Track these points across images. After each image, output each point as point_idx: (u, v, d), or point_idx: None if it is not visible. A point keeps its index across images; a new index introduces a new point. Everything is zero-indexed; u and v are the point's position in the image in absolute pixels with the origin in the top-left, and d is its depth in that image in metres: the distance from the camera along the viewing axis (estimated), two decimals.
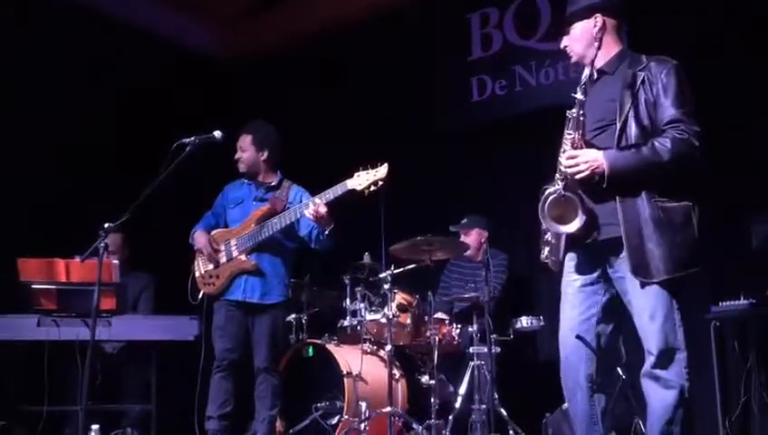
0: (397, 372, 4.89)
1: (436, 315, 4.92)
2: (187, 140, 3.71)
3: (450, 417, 4.72)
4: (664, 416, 2.81)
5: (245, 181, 4.53)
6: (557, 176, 2.95)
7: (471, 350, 4.83)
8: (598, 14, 3.03)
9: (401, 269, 4.82)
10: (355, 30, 6.64)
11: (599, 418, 2.97)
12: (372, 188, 4.00)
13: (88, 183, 5.65)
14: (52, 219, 5.49)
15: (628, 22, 3.19)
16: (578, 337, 2.95)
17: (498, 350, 4.76)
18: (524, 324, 5.03)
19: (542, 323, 5.01)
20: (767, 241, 4.47)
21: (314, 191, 4.21)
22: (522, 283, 5.55)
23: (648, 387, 2.86)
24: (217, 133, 3.80)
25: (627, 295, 2.91)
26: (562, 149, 2.95)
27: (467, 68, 6.22)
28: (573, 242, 2.99)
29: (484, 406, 4.61)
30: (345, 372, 4.67)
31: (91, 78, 6.02)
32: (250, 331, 4.31)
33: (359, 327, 4.96)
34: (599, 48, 3.01)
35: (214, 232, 4.45)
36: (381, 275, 4.71)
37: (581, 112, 2.91)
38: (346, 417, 4.56)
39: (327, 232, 4.16)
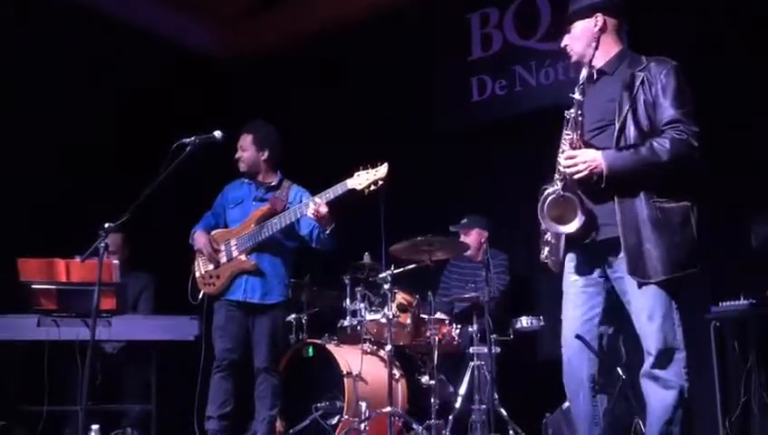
0: (397, 372, 4.89)
1: (435, 315, 4.92)
2: (187, 140, 3.72)
3: (450, 417, 4.72)
4: (663, 416, 2.81)
5: (245, 181, 4.53)
6: (556, 176, 2.96)
7: (471, 350, 4.83)
8: (599, 14, 3.03)
9: (401, 269, 4.81)
10: (355, 30, 6.63)
11: (600, 418, 2.97)
12: (372, 187, 4.00)
13: (88, 183, 5.65)
14: (52, 219, 5.50)
15: (629, 21, 3.19)
16: (579, 338, 2.96)
17: (498, 350, 4.76)
18: (524, 324, 5.03)
19: (542, 323, 5.01)
20: (767, 241, 4.47)
21: (314, 191, 4.21)
22: (522, 283, 5.54)
23: (648, 387, 2.87)
24: (217, 133, 3.80)
25: (626, 296, 2.91)
26: (561, 150, 2.95)
27: (467, 68, 6.22)
28: (572, 242, 2.99)
29: (484, 406, 4.61)
30: (345, 372, 4.67)
31: (91, 78, 6.02)
32: (250, 331, 4.31)
33: (359, 327, 4.96)
34: (596, 48, 3.01)
35: (214, 232, 4.45)
36: (381, 275, 4.71)
37: (579, 113, 2.91)
38: (346, 417, 4.56)
39: (328, 231, 4.16)
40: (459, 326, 5.05)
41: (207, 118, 4.52)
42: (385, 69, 6.42)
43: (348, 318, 5.02)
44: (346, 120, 6.52)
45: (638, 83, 2.91)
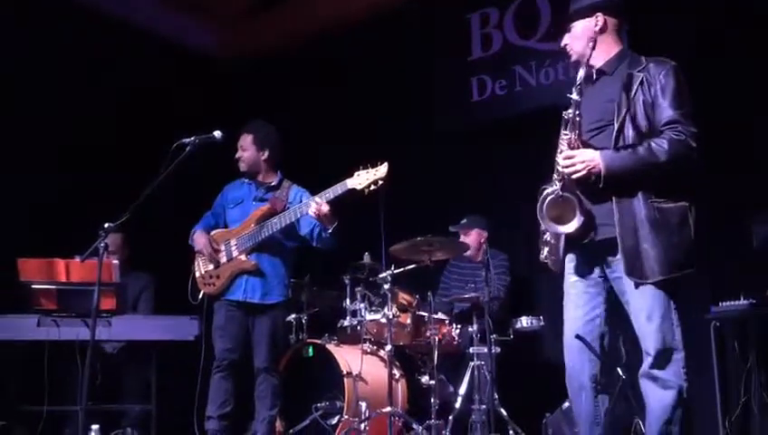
0: (397, 372, 4.89)
1: (435, 316, 4.91)
2: (187, 140, 3.72)
3: (450, 417, 4.72)
4: (662, 416, 2.81)
5: (245, 181, 4.53)
6: (554, 176, 2.96)
7: (471, 350, 4.83)
8: (599, 13, 3.03)
9: (401, 269, 4.81)
10: (355, 30, 6.63)
11: (602, 418, 2.97)
12: (372, 187, 4.00)
13: (88, 183, 5.65)
14: (52, 219, 5.49)
15: (629, 21, 3.19)
16: (581, 338, 2.96)
17: (498, 350, 4.76)
18: (524, 324, 5.03)
19: (542, 324, 5.01)
20: (767, 241, 4.47)
21: (314, 191, 4.21)
22: (522, 283, 5.54)
23: (647, 387, 2.87)
24: (217, 133, 3.80)
25: (624, 296, 2.91)
26: (559, 150, 2.95)
27: (467, 68, 6.21)
28: (571, 242, 3.00)
29: (484, 406, 4.61)
30: (345, 372, 4.67)
31: (91, 78, 6.02)
32: (250, 331, 4.31)
33: (359, 327, 4.96)
34: (593, 48, 3.00)
35: (214, 232, 4.45)
36: (381, 275, 4.71)
37: (577, 113, 2.91)
38: (346, 417, 4.56)
39: (330, 230, 4.16)
40: (459, 326, 5.05)
41: (207, 118, 4.52)
42: (385, 69, 6.42)
43: (348, 318, 5.02)
44: (346, 120, 6.52)
45: (637, 84, 2.91)
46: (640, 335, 2.87)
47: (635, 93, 2.90)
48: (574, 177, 2.88)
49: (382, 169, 4.01)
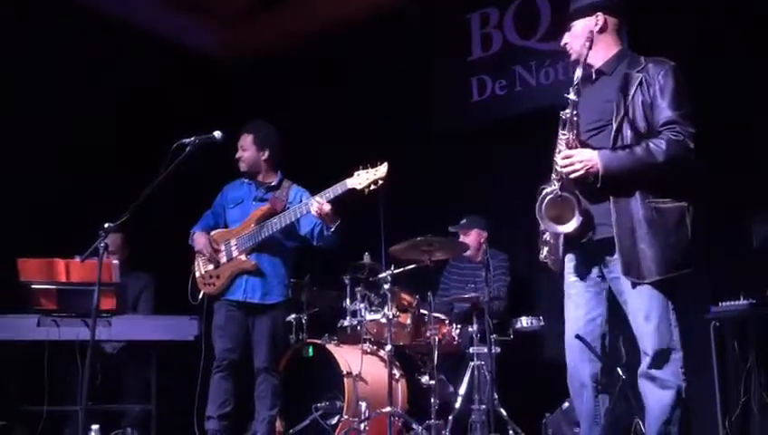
0: (397, 372, 4.89)
1: (435, 316, 4.91)
2: (187, 140, 3.72)
3: (450, 417, 4.71)
4: (661, 416, 2.81)
5: (245, 181, 4.53)
6: (553, 176, 2.96)
7: (471, 350, 4.82)
8: (599, 13, 3.03)
9: (401, 269, 4.81)
10: (355, 30, 6.63)
11: (601, 417, 2.98)
12: (372, 187, 4.00)
13: (88, 183, 5.65)
14: (52, 219, 5.49)
15: (629, 21, 3.19)
16: (581, 338, 2.96)
17: (498, 350, 4.75)
18: (524, 324, 5.03)
19: (542, 324, 5.01)
20: (767, 241, 4.47)
21: (314, 191, 4.21)
22: (522, 283, 5.54)
23: (645, 387, 2.87)
24: (217, 133, 3.80)
25: (622, 296, 2.92)
26: (557, 150, 2.95)
27: (467, 68, 6.21)
28: (570, 242, 3.00)
29: (484, 406, 4.60)
30: (345, 372, 4.67)
31: (91, 78, 6.02)
32: (250, 331, 4.31)
33: (359, 327, 4.96)
34: (590, 48, 3.00)
35: (213, 232, 4.45)
36: (381, 275, 4.71)
37: (575, 113, 2.92)
38: (346, 417, 4.56)
39: (333, 228, 4.17)
40: (459, 326, 5.05)
41: (207, 118, 4.52)
42: (385, 69, 6.42)
43: (348, 318, 5.02)
44: (346, 120, 6.52)
45: (636, 84, 2.91)
46: (638, 335, 2.87)
47: (634, 94, 2.90)
48: (572, 176, 2.88)
49: (382, 169, 4.01)
